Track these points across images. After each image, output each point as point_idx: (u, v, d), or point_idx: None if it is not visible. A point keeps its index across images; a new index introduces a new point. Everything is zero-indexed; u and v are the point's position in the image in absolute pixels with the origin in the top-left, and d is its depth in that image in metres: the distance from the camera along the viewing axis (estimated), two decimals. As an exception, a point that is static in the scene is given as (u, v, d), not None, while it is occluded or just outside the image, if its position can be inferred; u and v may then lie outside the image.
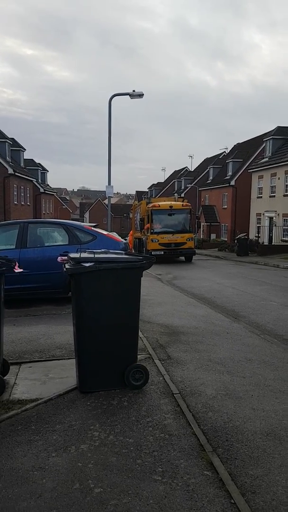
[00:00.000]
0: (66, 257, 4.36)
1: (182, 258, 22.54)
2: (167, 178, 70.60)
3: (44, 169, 49.69)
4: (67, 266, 4.01)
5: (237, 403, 3.86)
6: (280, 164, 29.11)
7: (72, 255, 4.16)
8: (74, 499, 2.51)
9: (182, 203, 23.09)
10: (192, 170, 59.12)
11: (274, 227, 30.08)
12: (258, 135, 39.51)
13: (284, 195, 28.90)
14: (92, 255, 4.08)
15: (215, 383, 4.34)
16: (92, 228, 8.85)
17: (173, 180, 62.18)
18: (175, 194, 35.47)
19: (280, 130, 32.22)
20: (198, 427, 3.36)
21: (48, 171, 51.21)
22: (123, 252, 4.96)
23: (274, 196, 30.62)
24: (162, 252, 21.18)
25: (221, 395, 4.02)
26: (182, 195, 43.43)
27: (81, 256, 4.04)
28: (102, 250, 4.56)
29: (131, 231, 29.39)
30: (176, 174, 65.57)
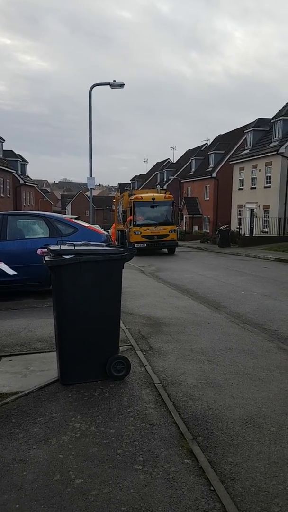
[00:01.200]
0: (46, 250, 4.32)
1: (165, 250, 22.61)
2: (150, 169, 70.50)
3: (24, 160, 48.99)
4: (47, 258, 3.97)
5: (217, 391, 3.91)
6: (260, 156, 29.34)
7: (52, 247, 4.12)
8: (55, 490, 2.51)
9: (164, 195, 23.10)
10: (175, 162, 59.20)
11: (255, 218, 30.38)
12: (239, 126, 39.73)
13: (265, 187, 29.18)
14: (72, 247, 4.05)
15: (196, 372, 4.38)
16: (74, 220, 8.78)
17: (156, 172, 62.13)
18: (157, 186, 35.41)
19: (260, 121, 32.42)
20: (178, 416, 3.40)
21: (28, 162, 50.50)
22: (104, 244, 4.95)
23: (255, 188, 30.89)
24: (145, 244, 21.20)
25: (201, 384, 4.07)
26: (165, 187, 43.49)
27: (61, 248, 4.01)
28: (83, 242, 4.53)
29: (114, 224, 29.31)
30: (158, 166, 65.51)
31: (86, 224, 8.97)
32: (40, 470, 2.71)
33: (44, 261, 3.95)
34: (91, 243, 4.58)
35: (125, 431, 3.16)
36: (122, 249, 4.24)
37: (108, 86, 16.89)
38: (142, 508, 2.35)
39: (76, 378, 4.03)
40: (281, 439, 3.09)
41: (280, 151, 26.72)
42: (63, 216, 9.31)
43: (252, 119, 32.98)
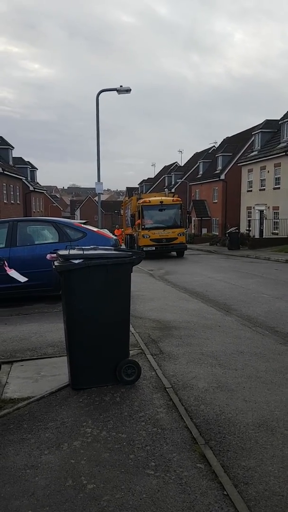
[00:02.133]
0: (55, 255, 4.34)
1: (174, 253, 22.57)
2: (157, 173, 70.61)
3: (33, 167, 49.38)
4: (56, 263, 3.99)
5: (229, 395, 3.87)
6: (269, 157, 29.20)
7: (61, 252, 4.14)
8: (67, 496, 2.50)
9: (172, 198, 23.09)
10: (182, 165, 59.18)
11: (264, 220, 30.21)
12: (247, 128, 39.63)
13: (274, 188, 29.02)
14: (81, 252, 4.06)
15: (207, 376, 4.35)
16: (82, 225, 8.82)
17: (163, 176, 62.16)
18: (165, 190, 35.46)
19: (268, 123, 32.29)
20: (190, 420, 3.37)
21: (37, 169, 50.90)
22: (112, 248, 4.95)
23: (264, 189, 30.73)
24: (154, 248, 21.18)
25: (213, 388, 4.04)
26: (173, 190, 43.46)
27: (70, 253, 4.02)
28: (91, 246, 4.54)
29: (118, 229, 29.46)
30: (166, 170, 65.55)
31: (95, 229, 9.00)
32: (52, 475, 2.70)
33: (54, 266, 3.96)
34: (100, 247, 4.59)
35: (137, 436, 3.14)
36: (130, 253, 4.24)
37: (113, 91, 16.97)
38: (155, 513, 2.33)
39: (87, 383, 4.02)
40: (294, 442, 3.05)
41: (289, 152, 26.56)
42: (72, 221, 9.35)
43: (255, 120, 33.06)
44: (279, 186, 28.47)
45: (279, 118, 30.15)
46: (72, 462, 2.84)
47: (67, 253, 4.02)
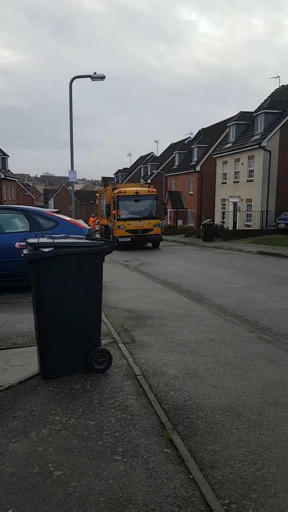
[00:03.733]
0: (24, 243, 4.27)
1: (150, 244, 22.60)
2: (133, 163, 70.28)
3: (4, 154, 48.26)
4: (25, 251, 3.93)
5: (198, 381, 3.93)
6: (243, 149, 29.49)
7: (30, 240, 4.07)
8: (33, 483, 2.50)
9: (148, 189, 23.03)
10: (158, 155, 59.06)
11: (238, 212, 30.59)
12: (222, 120, 39.84)
13: (248, 181, 29.38)
14: (51, 240, 4.01)
15: (177, 363, 4.40)
16: (55, 214, 8.70)
17: (139, 166, 61.93)
18: (141, 180, 35.38)
19: (243, 115, 32.56)
20: (159, 406, 3.41)
21: (8, 156, 49.75)
22: (84, 237, 4.91)
23: (238, 181, 31.07)
24: (129, 239, 21.14)
25: (182, 375, 4.09)
26: (149, 181, 43.44)
27: (40, 241, 3.97)
28: (62, 235, 4.49)
29: (91, 218, 29.23)
30: (142, 160, 65.31)
31: (68, 218, 8.90)
32: (19, 463, 2.69)
33: (22, 255, 3.90)
34: (71, 236, 4.55)
35: (106, 423, 3.16)
36: (102, 242, 4.22)
37: (80, 78, 16.73)
38: (121, 498, 2.35)
39: (57, 372, 4.00)
40: (260, 426, 3.13)
41: (262, 144, 26.91)
42: (44, 209, 9.21)
43: (225, 111, 33.32)
44: (252, 178, 28.84)
45: (251, 110, 30.48)
46: (39, 449, 2.83)
47: (37, 241, 3.96)
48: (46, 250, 3.81)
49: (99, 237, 24.55)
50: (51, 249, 3.83)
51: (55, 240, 4.02)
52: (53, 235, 4.31)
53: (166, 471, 2.60)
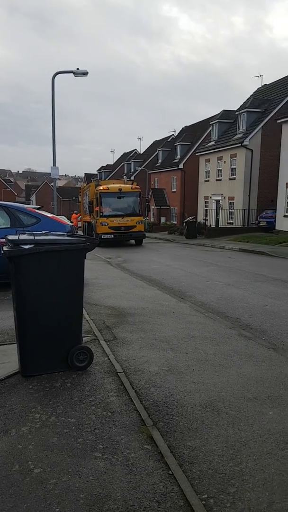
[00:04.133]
0: (4, 240, 4.22)
1: (133, 241, 22.60)
2: (117, 160, 70.05)
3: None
4: (5, 248, 3.88)
5: (179, 378, 3.97)
6: (225, 147, 29.70)
7: (10, 237, 4.03)
8: (13, 480, 2.49)
9: (131, 186, 23.01)
10: (142, 152, 58.99)
11: (220, 210, 30.84)
12: (205, 118, 40.02)
13: (230, 179, 29.61)
14: (32, 237, 3.98)
15: (158, 360, 4.43)
16: (36, 210, 8.62)
17: (123, 163, 61.77)
18: (124, 177, 35.25)
19: (225, 113, 32.78)
20: (140, 402, 3.43)
21: (-9, 152, 48.98)
22: (65, 234, 4.88)
23: (220, 179, 31.29)
24: (112, 236, 21.10)
25: (164, 371, 4.12)
26: (132, 178, 43.34)
27: (20, 238, 3.93)
28: (43, 232, 4.46)
29: (73, 215, 29.07)
30: (125, 157, 65.14)
31: (50, 215, 8.83)
32: (-2, 462, 2.67)
33: (2, 252, 3.86)
34: (52, 233, 4.52)
35: (86, 420, 3.16)
36: (84, 239, 4.20)
37: (62, 73, 16.58)
38: (101, 494, 2.37)
39: (38, 370, 3.98)
40: (239, 422, 3.18)
41: (244, 143, 27.15)
42: (25, 206, 9.11)
43: (208, 108, 33.57)
44: (234, 176, 29.08)
45: (231, 107, 30.76)
46: (19, 447, 2.82)
47: (17, 238, 3.92)
48: (26, 247, 3.78)
49: (82, 234, 24.45)
50: (32, 246, 3.80)
51: (36, 237, 3.99)
52: (34, 232, 4.27)
53: (146, 467, 2.62)
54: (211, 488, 2.45)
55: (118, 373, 4.04)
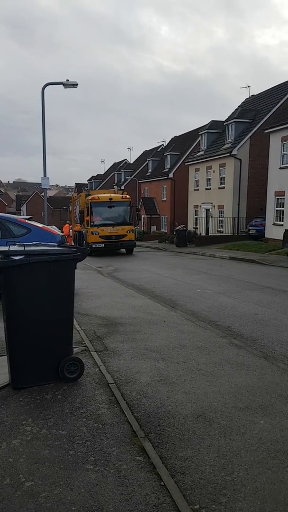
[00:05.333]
0: (-6, 251, 4.21)
1: (123, 250, 22.61)
2: (107, 170, 70.29)
3: (-23, 160, 47.39)
4: (-5, 259, 3.87)
5: (170, 388, 3.97)
6: (214, 157, 29.98)
7: (0, 248, 4.02)
8: (4, 494, 2.46)
9: (121, 195, 23.08)
10: (132, 162, 59.30)
11: (210, 218, 31.01)
12: (194, 128, 40.46)
13: (219, 188, 29.86)
14: (22, 248, 3.98)
15: (150, 371, 4.43)
16: (27, 221, 8.61)
17: (113, 173, 61.98)
18: (114, 187, 35.34)
19: (214, 124, 33.15)
20: (131, 414, 3.42)
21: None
22: (56, 244, 4.89)
23: (210, 188, 31.53)
24: (103, 245, 21.10)
25: (155, 382, 4.12)
26: (122, 187, 43.51)
27: (10, 249, 3.93)
28: (33, 242, 4.46)
29: (66, 225, 29.07)
30: (115, 167, 65.40)
31: (40, 225, 8.83)
32: (-12, 476, 2.64)
33: (-8, 263, 3.85)
34: (42, 243, 4.52)
35: (77, 432, 3.15)
36: (74, 249, 4.21)
37: (51, 85, 16.70)
38: (93, 506, 2.35)
39: (28, 382, 3.96)
40: (230, 432, 3.18)
41: (233, 153, 27.43)
42: (16, 216, 9.10)
43: (193, 118, 33.93)
44: (223, 185, 29.33)
45: (216, 116, 31.23)
46: (10, 460, 2.80)
47: (7, 249, 3.92)
48: (17, 258, 3.78)
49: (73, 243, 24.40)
50: (22, 257, 3.80)
51: (26, 248, 3.99)
52: (25, 243, 4.27)
53: (138, 478, 2.62)
54: (203, 498, 2.46)
55: (109, 384, 4.03)
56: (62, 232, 17.73)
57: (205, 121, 33.55)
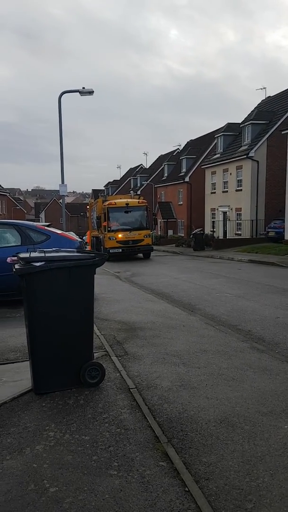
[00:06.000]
0: (16, 258, 4.27)
1: (140, 255, 22.66)
2: (123, 175, 70.64)
3: (-5, 169, 48.24)
4: (16, 266, 3.93)
5: (192, 393, 3.94)
6: (231, 160, 29.84)
7: (22, 255, 4.08)
8: (29, 500, 2.48)
9: (138, 200, 23.17)
10: (147, 167, 59.48)
11: (228, 221, 30.84)
12: (209, 132, 40.38)
13: (237, 190, 29.68)
14: (42, 254, 4.02)
15: (171, 375, 4.41)
16: (46, 227, 8.71)
17: (129, 178, 62.28)
18: (131, 192, 35.51)
19: (230, 126, 33.03)
20: (153, 419, 3.41)
21: (-1, 171, 49.71)
22: (75, 250, 4.93)
23: (226, 191, 31.37)
24: (120, 250, 21.19)
25: (176, 387, 4.10)
26: (139, 192, 43.60)
27: (31, 255, 3.98)
28: (53, 249, 4.50)
29: (89, 231, 29.26)
30: (131, 172, 65.71)
31: (59, 231, 8.91)
32: (14, 480, 2.67)
33: (14, 269, 3.91)
34: (62, 249, 4.56)
35: (100, 437, 3.15)
36: (93, 255, 4.24)
37: (68, 93, 16.90)
38: (117, 513, 2.35)
39: (50, 387, 3.98)
40: (254, 437, 3.14)
41: (250, 154, 27.26)
42: (35, 223, 9.21)
43: (205, 120, 33.85)
44: (241, 188, 29.14)
45: (233, 120, 30.95)
46: (34, 466, 2.82)
47: (28, 255, 3.97)
48: (37, 264, 3.82)
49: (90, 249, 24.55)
50: (43, 263, 3.84)
51: (47, 254, 4.03)
52: (45, 249, 4.32)
53: (162, 484, 2.60)
54: (228, 504, 2.43)
55: (131, 389, 4.03)
56: (84, 239, 17.82)
57: (217, 124, 33.53)
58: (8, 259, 4.34)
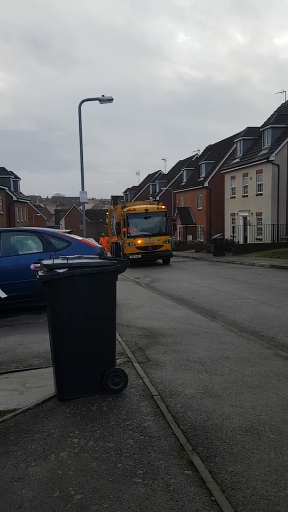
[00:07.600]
0: (39, 264, 4.32)
1: (160, 260, 22.64)
2: (142, 181, 70.97)
3: (16, 177, 49.06)
4: (40, 273, 3.97)
5: (216, 401, 3.89)
6: (251, 164, 29.62)
7: (45, 261, 4.12)
8: (54, 507, 2.48)
9: (157, 206, 23.20)
10: (166, 173, 59.54)
11: (248, 226, 30.56)
12: (228, 136, 40.24)
13: (257, 195, 29.41)
14: (65, 261, 4.06)
15: (194, 383, 4.36)
16: (67, 234, 8.80)
17: (148, 184, 62.44)
18: (150, 198, 35.61)
19: (249, 130, 32.84)
20: (177, 427, 3.38)
21: (20, 178, 50.53)
22: (97, 256, 4.95)
23: (247, 196, 31.12)
24: (140, 256, 21.22)
25: (200, 394, 4.05)
26: (157, 198, 43.67)
27: (54, 262, 4.01)
28: (76, 255, 4.54)
29: (102, 238, 29.52)
30: (150, 178, 65.90)
31: (80, 238, 8.99)
32: (39, 487, 2.67)
33: (38, 276, 3.95)
34: (84, 256, 4.59)
35: (124, 445, 3.14)
36: (115, 261, 4.25)
37: (88, 101, 17.11)
38: (143, 522, 2.33)
39: (74, 393, 4.00)
40: (281, 446, 3.08)
41: (270, 158, 27.00)
42: (56, 230, 9.32)
43: (219, 124, 33.70)
44: (261, 192, 28.86)
45: (251, 124, 30.67)
46: (59, 473, 2.82)
47: (51, 262, 4.01)
48: (60, 271, 3.86)
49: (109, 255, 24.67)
50: (66, 269, 3.87)
51: (69, 261, 4.06)
52: (67, 256, 4.35)
53: (188, 493, 2.57)
54: (256, 516, 2.37)
55: (154, 396, 4.00)
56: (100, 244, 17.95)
57: (231, 127, 33.55)
58: (32, 266, 4.40)
